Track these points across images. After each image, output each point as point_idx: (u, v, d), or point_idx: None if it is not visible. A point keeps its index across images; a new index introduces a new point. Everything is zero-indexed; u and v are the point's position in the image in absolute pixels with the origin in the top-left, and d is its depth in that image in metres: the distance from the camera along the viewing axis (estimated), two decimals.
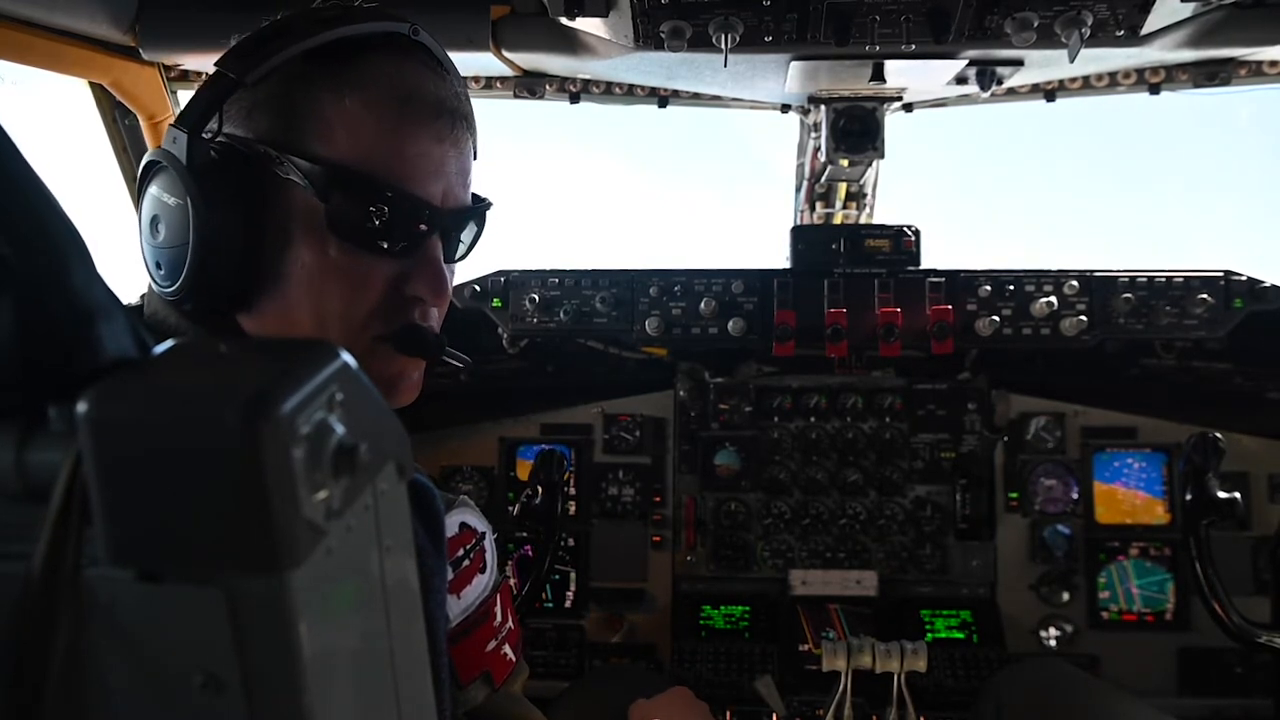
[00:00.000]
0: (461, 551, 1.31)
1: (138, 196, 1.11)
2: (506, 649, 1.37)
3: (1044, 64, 2.38)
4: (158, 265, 1.08)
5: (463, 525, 1.33)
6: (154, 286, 1.10)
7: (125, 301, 1.22)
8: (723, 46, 2.02)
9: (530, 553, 2.98)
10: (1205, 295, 2.66)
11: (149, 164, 1.08)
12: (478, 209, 1.21)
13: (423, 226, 1.12)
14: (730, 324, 2.75)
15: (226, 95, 1.08)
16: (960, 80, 2.41)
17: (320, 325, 1.09)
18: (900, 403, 3.02)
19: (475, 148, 1.22)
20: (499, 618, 1.36)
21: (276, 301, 1.09)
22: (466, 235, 1.21)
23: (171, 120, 2.59)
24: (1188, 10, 2.01)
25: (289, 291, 1.08)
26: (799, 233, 2.87)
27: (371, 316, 1.11)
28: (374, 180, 1.07)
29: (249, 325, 1.11)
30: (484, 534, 1.36)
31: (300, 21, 1.10)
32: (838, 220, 3.24)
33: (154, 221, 1.08)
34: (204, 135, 1.07)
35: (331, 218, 1.07)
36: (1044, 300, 2.69)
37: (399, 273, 1.12)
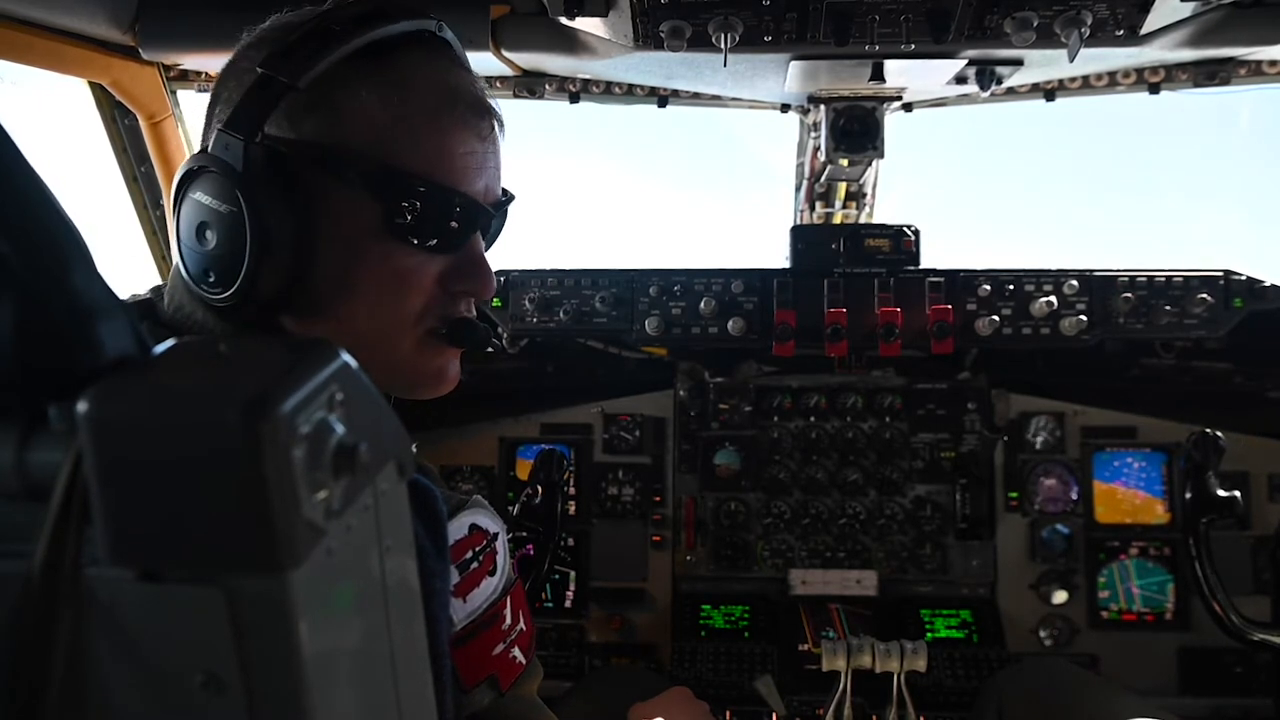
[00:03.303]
0: (470, 554, 1.29)
1: (176, 200, 1.09)
2: (516, 652, 1.36)
3: (1044, 64, 2.38)
4: (206, 272, 1.06)
5: (473, 527, 1.31)
6: (198, 292, 1.08)
7: (130, 297, 1.23)
8: (722, 46, 2.02)
9: (531, 552, 2.97)
10: (1205, 295, 2.66)
11: (196, 169, 1.07)
12: (507, 203, 1.25)
13: (469, 224, 1.15)
14: (730, 324, 2.75)
15: (279, 99, 1.06)
16: (960, 80, 2.41)
17: (375, 324, 1.11)
18: (900, 402, 3.02)
19: None
20: (508, 620, 1.35)
21: (329, 303, 1.10)
22: (495, 228, 1.25)
23: (171, 119, 2.62)
24: (1187, 10, 2.01)
25: (342, 293, 1.09)
26: (799, 232, 2.87)
27: (424, 313, 1.14)
28: (424, 180, 1.09)
29: (298, 328, 1.12)
30: (496, 535, 1.34)
31: (336, 20, 1.09)
32: (838, 220, 3.24)
33: (201, 228, 1.06)
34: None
35: (384, 218, 1.08)
36: (1044, 300, 2.69)
37: (445, 269, 1.15)
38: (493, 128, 1.17)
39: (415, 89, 1.10)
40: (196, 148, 1.14)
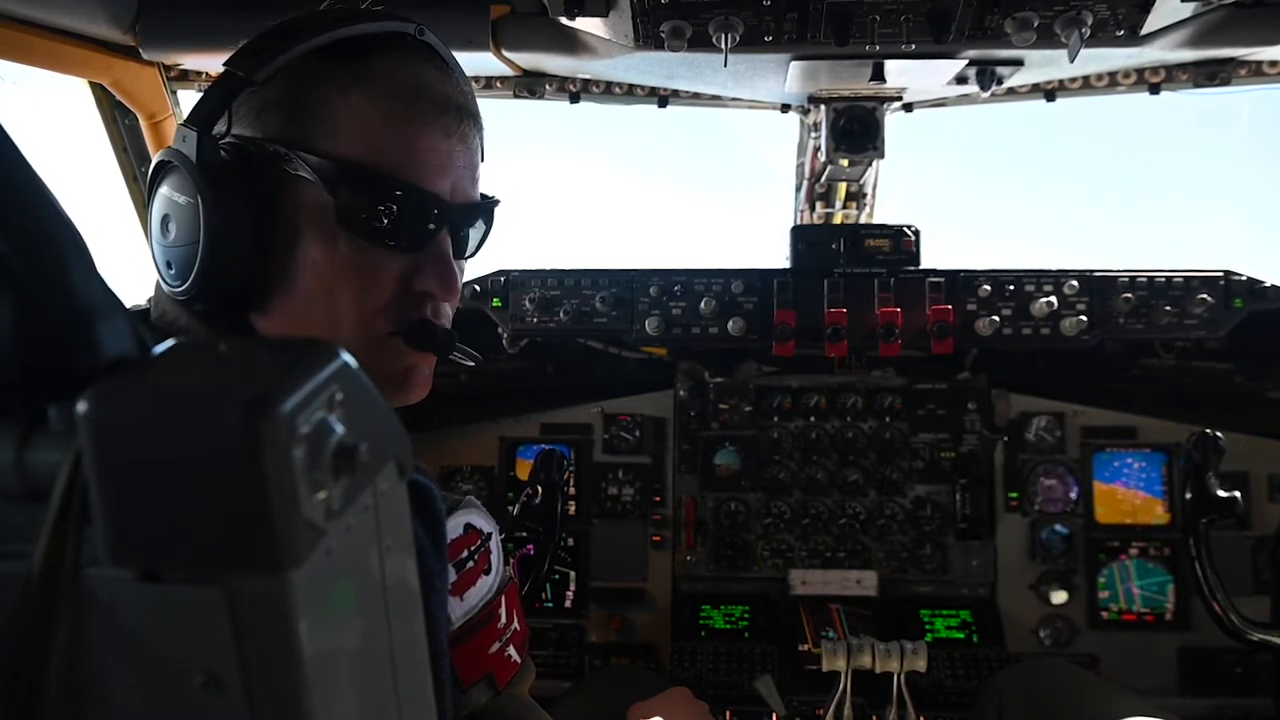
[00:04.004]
0: (466, 553, 1.30)
1: (148, 196, 1.11)
2: (511, 650, 1.37)
3: (1044, 64, 2.38)
4: (168, 265, 1.08)
5: (468, 526, 1.33)
6: (164, 286, 1.10)
7: (131, 303, 1.23)
8: (723, 46, 2.02)
9: (531, 552, 2.98)
10: (1205, 295, 2.66)
11: (160, 163, 1.09)
12: (486, 205, 1.22)
13: (431, 222, 1.13)
14: (730, 324, 2.75)
15: (235, 94, 1.08)
16: (960, 80, 2.41)
17: (332, 322, 1.09)
18: (900, 402, 3.02)
19: (483, 148, 1.23)
20: (504, 619, 1.36)
21: (288, 299, 1.09)
22: (475, 232, 1.22)
23: (171, 119, 2.62)
24: (1188, 10, 2.01)
25: (300, 288, 1.09)
26: (799, 232, 2.87)
27: (382, 312, 1.12)
28: (383, 175, 1.08)
29: (261, 324, 1.11)
30: (490, 535, 1.36)
31: (308, 22, 1.11)
32: (838, 220, 3.24)
33: (164, 221, 1.08)
34: (214, 135, 1.07)
35: (341, 214, 1.07)
36: (1044, 300, 2.69)
37: (409, 268, 1.12)
38: (460, 125, 1.15)
39: (379, 85, 1.09)
40: None
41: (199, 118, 1.07)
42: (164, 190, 1.08)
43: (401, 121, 1.10)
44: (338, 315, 1.09)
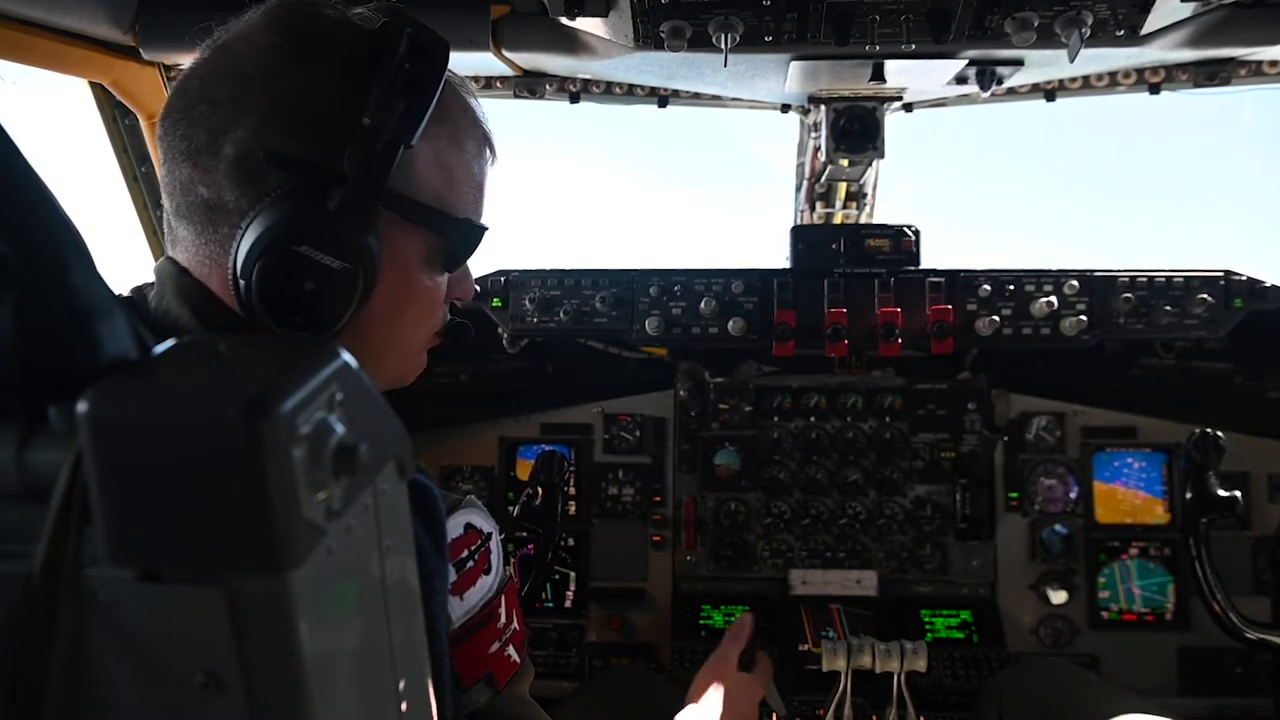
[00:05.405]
0: (466, 553, 1.31)
1: (269, 247, 1.02)
2: (511, 650, 1.37)
3: (1044, 64, 2.38)
4: (288, 314, 1.03)
5: (468, 526, 1.33)
6: (269, 323, 1.04)
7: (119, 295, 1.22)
8: (723, 46, 2.01)
9: (531, 552, 2.98)
10: (1205, 295, 2.66)
11: (309, 229, 1.02)
12: None
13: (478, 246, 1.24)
14: (730, 324, 2.74)
15: (392, 158, 1.05)
16: (960, 80, 2.41)
17: (401, 346, 1.19)
18: (900, 402, 3.02)
19: None
20: (503, 619, 1.36)
21: (373, 327, 1.12)
22: None
23: None
24: (1188, 10, 2.00)
25: (375, 319, 1.12)
26: (799, 232, 2.87)
27: (435, 328, 1.25)
28: (468, 220, 1.18)
29: None
30: (490, 534, 1.36)
31: (415, 62, 1.07)
32: (838, 220, 3.24)
33: (296, 277, 1.02)
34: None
35: (431, 252, 1.16)
36: (1044, 300, 2.69)
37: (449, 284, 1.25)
38: (496, 154, 1.26)
39: (464, 136, 1.18)
40: None
41: (364, 188, 1.03)
42: (307, 250, 1.02)
43: (482, 170, 1.21)
44: (406, 340, 1.20)
